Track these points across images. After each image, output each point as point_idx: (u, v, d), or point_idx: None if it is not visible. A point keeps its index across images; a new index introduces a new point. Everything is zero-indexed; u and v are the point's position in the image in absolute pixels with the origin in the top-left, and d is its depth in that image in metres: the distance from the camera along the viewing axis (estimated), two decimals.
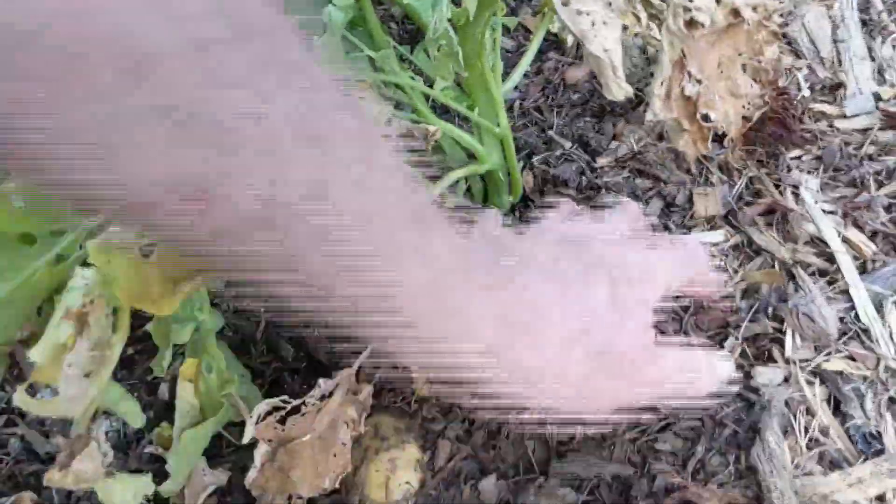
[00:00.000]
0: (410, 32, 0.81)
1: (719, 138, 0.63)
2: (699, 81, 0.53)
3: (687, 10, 0.52)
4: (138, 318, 0.49)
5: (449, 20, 0.55)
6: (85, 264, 0.41)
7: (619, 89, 0.48)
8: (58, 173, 0.26)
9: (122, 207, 0.28)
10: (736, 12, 0.53)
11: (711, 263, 0.52)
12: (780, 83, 0.70)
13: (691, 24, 0.52)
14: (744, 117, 0.56)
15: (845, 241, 0.62)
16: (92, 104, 0.24)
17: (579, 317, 0.42)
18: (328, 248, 0.31)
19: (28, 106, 0.23)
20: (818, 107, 0.71)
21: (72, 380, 0.38)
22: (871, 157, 0.67)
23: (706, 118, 0.54)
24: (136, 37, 0.24)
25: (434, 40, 0.50)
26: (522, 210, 0.70)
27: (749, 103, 0.56)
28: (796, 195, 0.65)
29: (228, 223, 0.28)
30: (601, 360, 0.42)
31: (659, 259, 0.48)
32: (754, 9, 0.54)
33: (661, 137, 0.69)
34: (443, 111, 0.66)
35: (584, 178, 0.70)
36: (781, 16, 0.78)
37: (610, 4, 0.47)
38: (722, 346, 0.58)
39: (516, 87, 0.77)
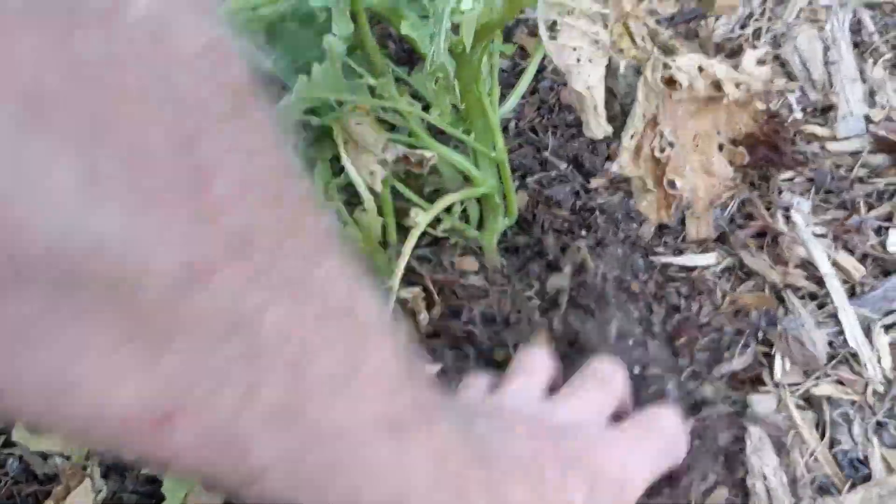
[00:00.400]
0: (408, 51, 0.82)
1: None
2: (671, 145, 0.54)
3: (667, 66, 0.52)
4: None
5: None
6: None
7: (598, 127, 0.49)
8: (15, 410, 0.24)
9: (70, 433, 0.27)
10: (718, 85, 0.54)
11: (687, 444, 0.52)
12: (772, 106, 0.71)
13: (669, 82, 0.52)
14: (713, 196, 0.57)
15: (835, 264, 0.63)
16: (61, 338, 0.22)
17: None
18: (293, 462, 0.29)
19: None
20: (810, 129, 0.72)
21: None
22: (861, 180, 0.68)
23: (672, 185, 0.54)
24: (126, 262, 0.21)
25: (431, 73, 0.51)
26: (516, 231, 0.71)
27: (720, 184, 0.56)
28: (787, 218, 0.66)
29: (189, 443, 0.26)
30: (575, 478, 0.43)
31: (638, 456, 0.48)
32: (737, 85, 0.55)
33: None
34: (440, 134, 0.67)
35: (577, 199, 0.70)
36: (774, 37, 0.78)
37: (597, 42, 0.47)
38: (710, 373, 0.59)
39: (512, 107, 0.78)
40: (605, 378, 0.53)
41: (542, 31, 0.48)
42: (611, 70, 0.77)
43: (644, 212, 0.58)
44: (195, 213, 0.22)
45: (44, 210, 0.19)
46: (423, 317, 0.64)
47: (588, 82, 0.48)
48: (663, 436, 0.51)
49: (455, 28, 0.58)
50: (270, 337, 0.25)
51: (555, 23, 0.48)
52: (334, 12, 0.53)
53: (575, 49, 0.48)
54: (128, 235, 0.21)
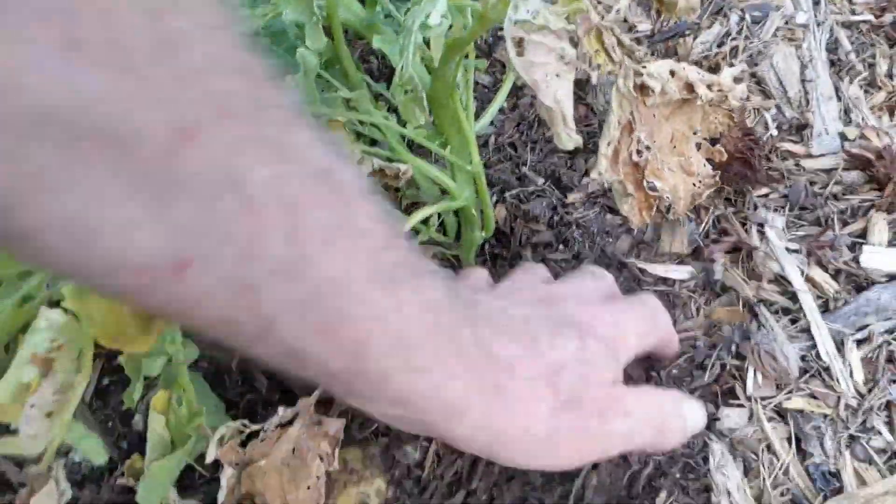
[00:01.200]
0: (390, 68, 0.83)
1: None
2: (647, 148, 0.54)
3: (638, 73, 0.53)
4: (113, 350, 0.50)
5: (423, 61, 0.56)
6: (51, 305, 0.41)
7: (568, 139, 0.49)
8: (39, 253, 0.27)
9: (100, 280, 0.28)
10: (690, 87, 0.55)
11: (670, 324, 0.53)
12: (748, 123, 0.72)
13: (642, 88, 0.53)
14: (693, 194, 0.57)
15: (808, 279, 0.64)
16: (76, 186, 0.25)
17: (546, 373, 0.43)
18: (300, 312, 0.31)
19: (28, 189, 0.24)
20: (785, 146, 0.72)
21: (33, 419, 0.38)
22: (835, 197, 0.69)
23: (652, 187, 0.55)
24: (117, 118, 0.24)
25: (400, 85, 0.51)
26: (494, 244, 0.71)
27: (700, 182, 0.57)
28: (762, 233, 0.67)
29: (204, 291, 0.29)
30: (569, 415, 0.43)
31: (628, 318, 0.49)
32: (709, 87, 0.55)
33: None
34: (418, 147, 0.67)
35: (555, 213, 0.71)
36: (751, 56, 0.79)
37: (563, 58, 0.48)
38: (688, 389, 0.59)
39: (492, 123, 0.78)
40: (597, 273, 0.56)
41: (510, 48, 0.48)
42: (589, 86, 0.78)
43: (626, 214, 0.59)
44: (173, 77, 0.25)
45: (33, 72, 0.22)
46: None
47: (556, 96, 0.49)
48: (647, 307, 0.53)
49: (428, 42, 0.58)
50: (261, 193, 0.28)
51: (522, 40, 0.48)
52: (307, 27, 0.53)
53: (541, 65, 0.48)
54: (111, 95, 0.24)
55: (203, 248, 0.28)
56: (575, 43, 0.50)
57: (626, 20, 0.84)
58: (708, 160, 0.60)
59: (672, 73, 0.57)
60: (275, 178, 0.29)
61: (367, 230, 0.33)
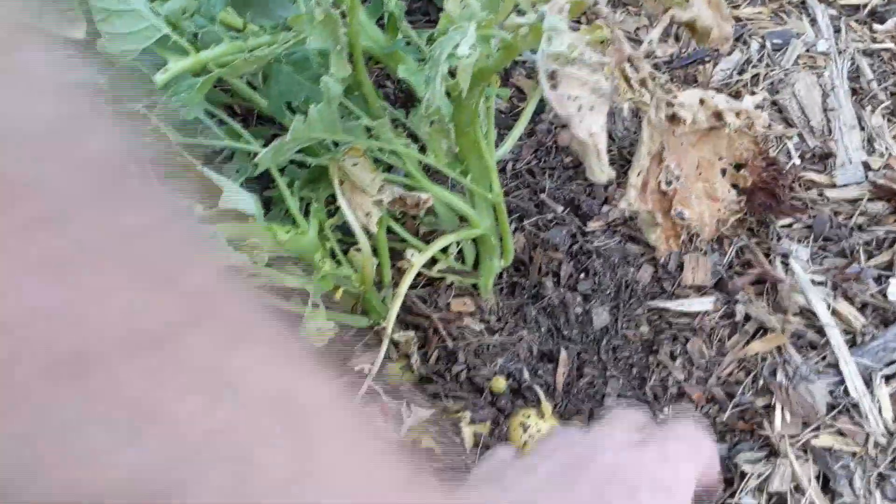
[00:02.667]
0: (406, 92, 0.82)
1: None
2: (676, 178, 0.54)
3: (670, 104, 0.52)
4: None
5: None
6: None
7: (601, 173, 0.48)
8: None
9: None
10: (719, 115, 0.54)
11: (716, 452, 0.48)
12: (771, 152, 0.71)
13: (673, 119, 0.52)
14: (719, 221, 0.57)
15: (835, 313, 0.62)
16: (23, 414, 0.20)
17: None
18: None
19: None
20: (808, 175, 0.71)
21: None
22: (860, 228, 0.68)
23: (681, 215, 0.54)
24: (68, 336, 0.20)
25: (426, 116, 0.51)
26: (513, 273, 0.70)
27: (725, 208, 0.56)
28: (786, 265, 0.66)
29: None
30: None
31: (676, 457, 0.42)
32: (737, 115, 0.55)
33: None
34: (435, 173, 0.67)
35: (574, 242, 0.70)
36: (772, 84, 0.79)
37: (597, 91, 0.47)
38: (714, 426, 0.58)
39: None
40: (626, 414, 0.49)
41: (543, 82, 0.48)
42: (609, 114, 0.77)
43: (654, 244, 0.58)
44: (66, 303, 0.21)
45: None
46: (416, 359, 0.63)
47: (590, 129, 0.48)
48: (686, 438, 0.44)
49: (452, 72, 0.58)
50: (192, 430, 0.22)
51: (555, 72, 0.48)
52: (332, 55, 0.53)
53: (575, 98, 0.47)
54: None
55: (184, 482, 0.23)
56: (607, 75, 0.50)
57: (651, 21, 0.84)
58: (733, 186, 0.59)
59: (701, 102, 0.57)
60: (207, 410, 0.23)
61: (336, 469, 0.26)
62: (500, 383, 0.61)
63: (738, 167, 0.61)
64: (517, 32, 0.49)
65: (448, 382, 0.61)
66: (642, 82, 0.53)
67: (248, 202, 0.52)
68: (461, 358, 0.63)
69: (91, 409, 0.21)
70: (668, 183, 0.57)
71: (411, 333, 0.63)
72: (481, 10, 0.52)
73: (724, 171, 0.61)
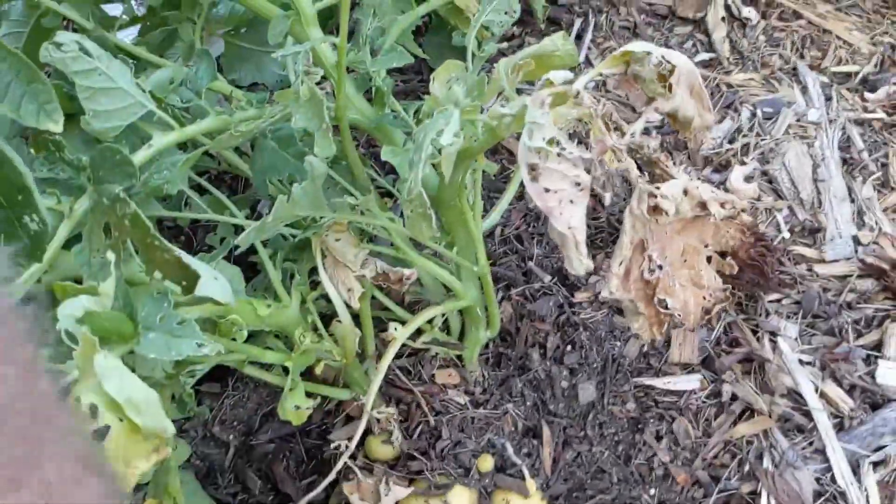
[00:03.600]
0: None
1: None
2: (659, 266, 0.53)
3: (652, 195, 0.52)
4: None
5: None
6: None
7: (580, 264, 0.48)
8: None
9: None
10: (703, 205, 0.54)
11: None
12: (761, 226, 0.70)
13: (656, 209, 0.52)
14: (703, 309, 0.56)
15: (822, 395, 0.62)
16: None
17: None
18: None
19: None
20: (798, 249, 0.71)
21: None
22: (849, 305, 0.67)
23: (663, 304, 0.53)
24: None
25: (408, 201, 0.50)
26: (499, 344, 0.69)
27: (711, 296, 0.56)
28: (774, 343, 0.65)
29: None
30: None
31: None
32: (722, 205, 0.54)
33: None
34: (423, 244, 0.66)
35: (562, 313, 0.69)
36: (763, 153, 0.78)
37: (578, 185, 0.47)
38: None
39: None
40: None
41: (524, 174, 0.47)
42: (596, 178, 0.77)
43: (637, 332, 0.57)
44: None
45: None
46: (397, 436, 0.62)
47: (570, 223, 0.48)
48: None
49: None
50: None
51: (536, 166, 0.47)
52: (317, 134, 0.52)
53: (555, 191, 0.47)
54: None
55: None
56: (588, 169, 0.49)
57: (634, 110, 0.84)
58: (719, 272, 0.59)
59: (685, 192, 0.56)
60: None
61: None
62: (488, 462, 0.60)
63: (724, 255, 0.61)
64: (500, 121, 0.49)
65: (433, 460, 0.60)
66: (626, 172, 0.52)
67: (223, 290, 0.51)
68: (445, 434, 0.62)
69: None
70: (651, 272, 0.57)
71: (392, 410, 0.62)
72: (466, 95, 0.52)
73: (709, 259, 0.60)
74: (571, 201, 0.47)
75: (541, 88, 0.47)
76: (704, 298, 0.58)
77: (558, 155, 0.45)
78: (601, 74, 0.55)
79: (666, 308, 0.54)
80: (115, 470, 0.38)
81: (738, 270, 0.64)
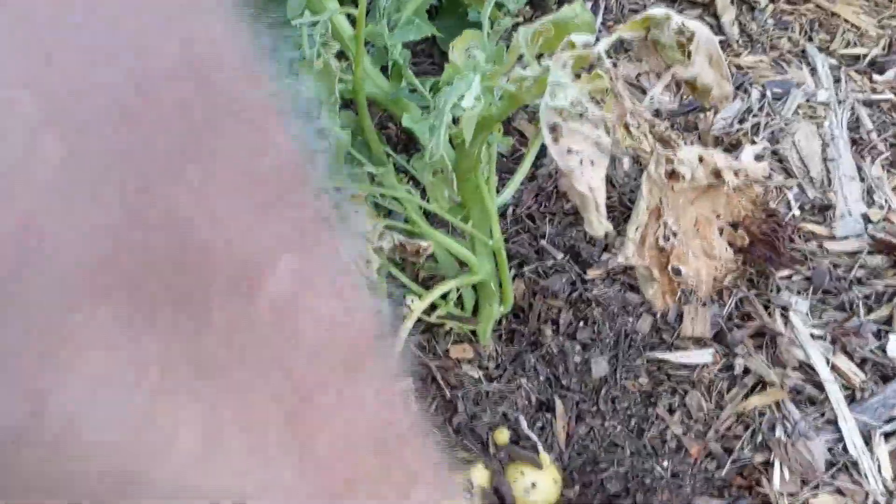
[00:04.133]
0: (409, 136, 0.82)
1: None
2: (674, 234, 0.54)
3: (669, 160, 0.52)
4: None
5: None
6: None
7: (599, 225, 0.49)
8: None
9: None
10: (718, 173, 0.54)
11: None
12: (771, 203, 0.71)
13: (672, 175, 0.53)
14: (715, 279, 0.57)
15: (834, 368, 0.62)
16: None
17: None
18: None
19: None
20: (808, 227, 0.72)
21: None
22: (860, 281, 0.68)
23: (677, 272, 0.54)
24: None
25: (430, 165, 0.51)
26: (512, 320, 0.70)
27: (722, 266, 0.56)
28: (785, 318, 0.65)
29: None
30: None
31: None
32: (736, 174, 0.55)
33: None
34: (434, 217, 0.66)
35: (574, 290, 0.70)
36: (772, 133, 0.79)
37: (598, 145, 0.47)
38: (713, 483, 0.57)
39: None
40: None
41: (546, 134, 0.48)
42: (609, 161, 0.77)
43: (650, 299, 0.58)
44: (299, 471, 0.23)
45: (165, 470, 0.21)
46: (415, 409, 0.62)
47: (590, 184, 0.48)
48: None
49: (455, 119, 0.58)
50: None
51: (557, 126, 0.48)
52: (324, 107, 0.53)
53: (577, 152, 0.47)
54: (239, 494, 0.22)
55: None
56: (608, 130, 0.50)
57: (644, 91, 0.84)
58: (730, 243, 0.59)
59: (701, 159, 0.57)
60: None
61: None
62: (504, 435, 0.61)
63: (735, 226, 0.61)
64: (521, 85, 0.50)
65: (450, 434, 0.61)
66: (638, 129, 0.53)
67: None
68: (461, 407, 0.62)
69: None
70: (666, 239, 0.57)
71: (409, 381, 0.62)
72: (486, 62, 0.52)
73: (721, 230, 0.61)
74: (592, 162, 0.47)
75: (562, 51, 0.48)
76: (716, 269, 0.58)
77: (580, 115, 0.46)
78: (622, 40, 0.56)
79: (679, 275, 0.55)
80: None
81: (749, 244, 0.64)
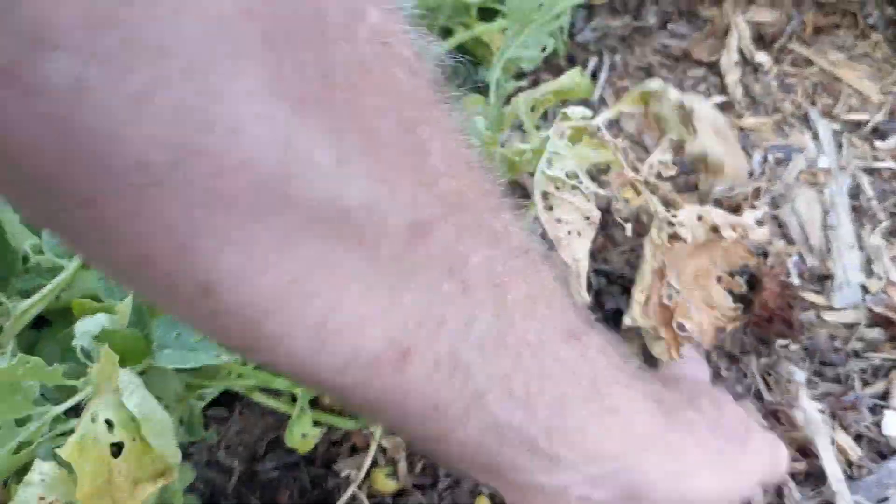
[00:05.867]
0: None
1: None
2: (677, 291, 0.54)
3: (671, 224, 0.53)
4: None
5: None
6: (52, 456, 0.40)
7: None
8: (278, 359, 0.29)
9: (328, 380, 0.30)
10: (716, 229, 0.55)
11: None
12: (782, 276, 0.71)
13: (674, 237, 0.53)
14: (717, 328, 0.57)
15: (832, 442, 0.61)
16: (326, 290, 0.27)
17: (690, 403, 0.47)
18: (505, 382, 0.34)
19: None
20: (807, 296, 0.71)
21: None
22: (857, 354, 0.67)
23: (681, 327, 0.54)
24: (371, 221, 0.27)
25: None
26: None
27: (722, 315, 0.57)
28: (787, 389, 0.65)
29: (421, 377, 0.31)
30: (722, 435, 0.47)
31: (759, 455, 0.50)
32: (733, 228, 0.55)
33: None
34: None
35: None
36: (773, 198, 0.79)
37: (588, 218, 0.47)
38: None
39: None
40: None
41: (538, 201, 0.48)
42: (612, 221, 0.78)
43: (657, 356, 0.59)
44: (418, 181, 0.28)
45: (311, 183, 0.25)
46: (403, 466, 0.61)
47: (574, 255, 0.49)
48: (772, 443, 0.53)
49: None
50: (476, 276, 0.31)
51: (549, 194, 0.48)
52: None
53: (566, 222, 0.48)
54: (370, 201, 0.26)
55: (423, 334, 0.30)
56: (609, 205, 0.50)
57: (646, 149, 0.84)
58: (737, 296, 0.60)
59: (699, 218, 0.58)
60: (487, 260, 0.31)
61: (553, 294, 0.36)
62: (484, 503, 0.60)
63: (732, 274, 0.62)
64: (521, 157, 0.50)
65: (434, 497, 0.60)
66: (645, 187, 0.53)
67: None
68: (444, 472, 0.61)
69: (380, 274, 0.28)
70: (669, 297, 0.58)
71: (400, 440, 0.62)
72: (486, 128, 0.52)
73: (719, 279, 0.61)
74: (579, 233, 0.48)
75: (560, 121, 0.48)
76: (717, 318, 0.59)
77: (573, 188, 0.46)
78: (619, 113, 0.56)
79: (683, 330, 0.55)
80: (121, 491, 0.39)
81: (767, 320, 0.64)
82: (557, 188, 0.48)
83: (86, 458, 0.39)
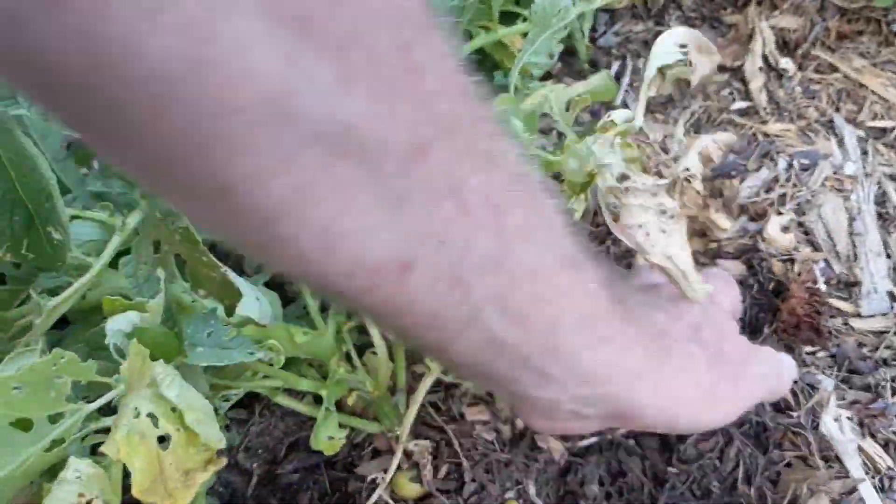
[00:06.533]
0: None
1: None
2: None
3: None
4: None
5: None
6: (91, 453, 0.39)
7: (694, 292, 0.49)
8: (291, 259, 0.31)
9: (336, 282, 0.32)
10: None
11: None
12: (809, 282, 0.70)
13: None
14: None
15: (860, 450, 0.61)
16: (333, 198, 0.29)
17: (690, 333, 0.49)
18: (502, 301, 0.35)
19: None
20: (834, 303, 0.70)
21: None
22: (885, 362, 0.66)
23: None
24: (371, 140, 0.28)
25: None
26: None
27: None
28: (811, 396, 0.64)
29: (422, 288, 0.32)
30: (720, 366, 0.48)
31: (759, 359, 0.53)
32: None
33: None
34: None
35: None
36: (799, 204, 0.78)
37: (664, 212, 0.46)
38: None
39: None
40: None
41: (606, 217, 0.47)
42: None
43: None
44: (413, 102, 0.29)
45: (312, 99, 0.26)
46: (428, 471, 0.61)
47: (666, 252, 0.47)
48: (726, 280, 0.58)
49: None
50: (474, 198, 0.32)
51: (613, 205, 0.47)
52: None
53: (640, 225, 0.47)
54: (369, 119, 0.28)
55: (424, 249, 0.32)
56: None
57: (667, 152, 0.84)
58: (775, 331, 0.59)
59: None
60: (485, 183, 0.32)
61: (552, 222, 0.37)
62: None
63: (777, 308, 0.61)
64: (565, 163, 0.49)
65: (459, 503, 0.59)
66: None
67: (264, 312, 0.51)
68: (470, 476, 0.61)
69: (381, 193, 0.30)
70: None
71: (426, 443, 0.61)
72: (523, 130, 0.52)
73: None
74: (663, 231, 0.46)
75: (602, 128, 0.47)
76: None
77: (626, 189, 0.45)
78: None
79: None
80: (175, 482, 0.39)
81: (794, 326, 0.64)
82: (617, 196, 0.47)
83: (135, 454, 0.38)
